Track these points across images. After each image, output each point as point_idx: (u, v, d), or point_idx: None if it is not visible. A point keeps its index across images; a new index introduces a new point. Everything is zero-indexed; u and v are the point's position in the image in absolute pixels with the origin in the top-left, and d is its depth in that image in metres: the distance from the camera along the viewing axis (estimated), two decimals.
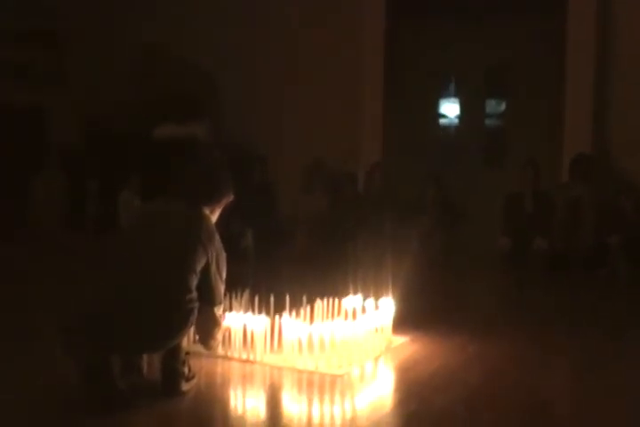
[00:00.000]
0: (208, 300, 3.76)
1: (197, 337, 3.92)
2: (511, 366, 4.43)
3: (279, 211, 8.30)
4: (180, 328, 3.64)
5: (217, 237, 3.83)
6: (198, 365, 4.09)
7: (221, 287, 3.84)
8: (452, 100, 9.45)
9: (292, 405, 3.79)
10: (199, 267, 3.68)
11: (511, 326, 5.36)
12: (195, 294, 3.67)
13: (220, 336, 4.06)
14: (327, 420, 3.58)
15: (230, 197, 4.04)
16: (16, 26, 9.68)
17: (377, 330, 4.60)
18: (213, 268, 3.75)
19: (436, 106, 9.37)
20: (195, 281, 3.68)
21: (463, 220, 7.92)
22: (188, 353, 3.86)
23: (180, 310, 3.60)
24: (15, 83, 9.68)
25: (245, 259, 7.42)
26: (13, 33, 9.72)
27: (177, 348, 3.74)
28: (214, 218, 3.99)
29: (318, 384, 4.01)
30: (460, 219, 7.92)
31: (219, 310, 3.87)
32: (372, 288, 4.75)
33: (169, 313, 3.58)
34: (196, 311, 3.66)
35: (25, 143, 9.69)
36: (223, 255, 3.84)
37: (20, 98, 9.59)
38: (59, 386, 3.80)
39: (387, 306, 4.69)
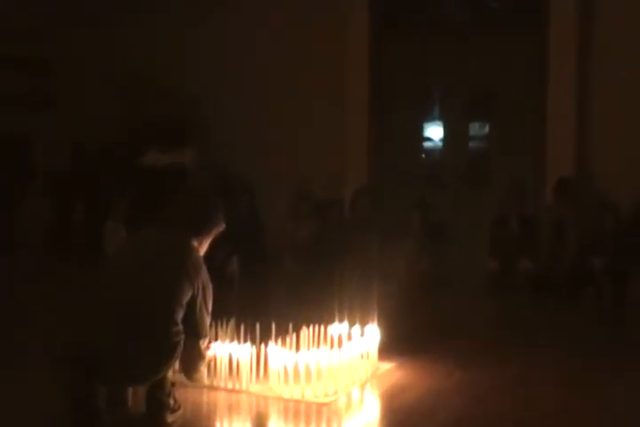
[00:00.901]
0: (193, 333, 3.74)
1: (180, 368, 3.88)
2: (498, 391, 4.43)
3: (265, 237, 8.29)
4: (166, 361, 3.62)
5: (204, 269, 3.81)
6: (184, 395, 4.08)
7: (207, 320, 3.83)
8: (437, 123, 9.51)
9: None
10: (185, 299, 3.67)
11: (498, 351, 5.36)
12: (181, 327, 3.66)
13: (203, 368, 4.05)
14: None
15: (221, 228, 4.03)
16: (5, 52, 9.70)
17: (363, 357, 4.60)
18: (199, 300, 3.73)
19: (420, 129, 9.42)
20: (181, 314, 3.66)
21: (449, 243, 7.94)
22: (173, 384, 3.85)
23: (166, 343, 3.59)
24: (2, 109, 9.67)
25: (231, 286, 7.40)
26: (3, 59, 9.74)
27: (163, 379, 3.72)
28: (204, 248, 3.99)
29: (305, 413, 4.01)
30: (445, 242, 7.93)
31: (204, 343, 3.85)
32: (358, 315, 4.75)
33: (155, 346, 3.57)
34: (182, 344, 3.64)
35: (10, 170, 9.68)
36: (209, 288, 3.82)
37: (7, 124, 9.58)
38: (44, 417, 3.78)
39: (372, 333, 4.70)
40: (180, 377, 4.03)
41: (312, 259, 7.80)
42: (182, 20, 9.59)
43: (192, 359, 3.81)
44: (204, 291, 3.76)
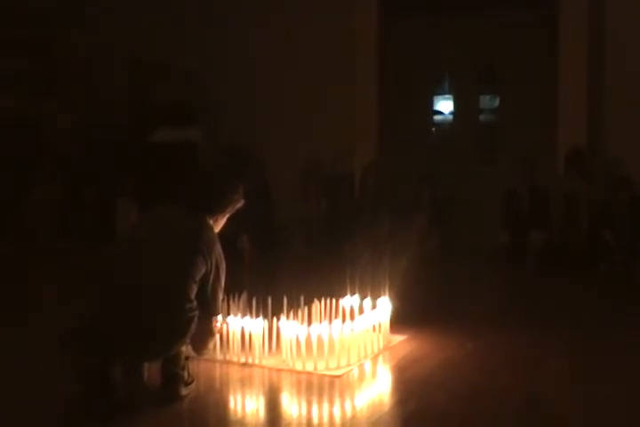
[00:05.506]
0: (205, 310, 3.76)
1: (190, 344, 3.89)
2: (510, 363, 4.44)
3: (275, 214, 8.29)
4: (180, 337, 3.65)
5: (218, 246, 3.82)
6: (197, 368, 4.11)
7: (219, 297, 3.85)
8: (446, 96, 9.46)
9: (292, 406, 3.80)
10: (199, 276, 3.69)
11: (509, 322, 5.37)
12: (194, 303, 3.68)
13: (212, 344, 4.08)
14: (327, 421, 3.60)
15: (238, 205, 4.02)
16: (13, 34, 9.67)
17: (374, 329, 4.62)
18: (212, 277, 3.75)
19: (430, 103, 9.37)
20: (194, 290, 3.68)
21: (459, 217, 7.93)
22: (187, 358, 3.88)
23: (180, 319, 3.62)
24: (11, 91, 9.66)
25: (242, 260, 7.41)
26: (10, 41, 9.71)
27: (177, 354, 3.75)
28: (220, 225, 3.99)
29: (317, 385, 4.03)
30: (455, 216, 7.93)
31: (215, 321, 3.88)
32: (370, 288, 4.76)
33: (169, 322, 3.60)
34: (195, 320, 3.67)
35: (21, 153, 9.68)
36: (223, 265, 3.83)
37: (17, 107, 9.57)
38: (59, 393, 3.81)
39: (384, 305, 4.71)
40: (190, 351, 4.07)
41: (323, 235, 7.82)
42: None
43: (202, 336, 3.83)
44: (217, 268, 3.77)
